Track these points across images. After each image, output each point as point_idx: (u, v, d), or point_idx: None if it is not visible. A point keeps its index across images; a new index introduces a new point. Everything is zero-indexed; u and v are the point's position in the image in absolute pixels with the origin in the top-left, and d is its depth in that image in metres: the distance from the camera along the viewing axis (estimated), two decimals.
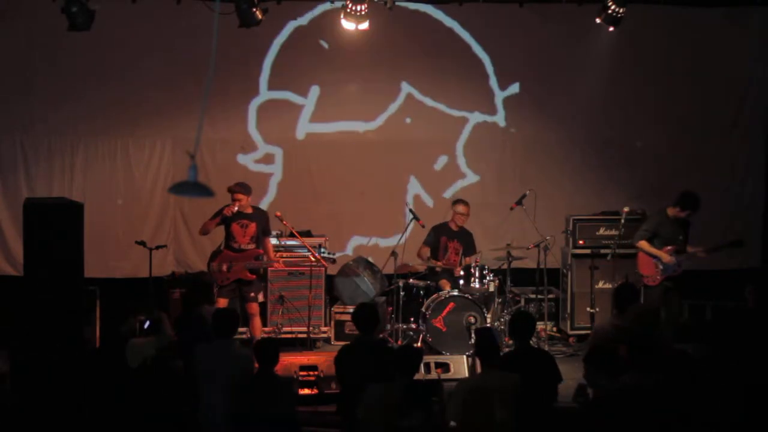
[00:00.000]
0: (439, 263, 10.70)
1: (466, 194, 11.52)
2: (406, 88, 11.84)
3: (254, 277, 10.03)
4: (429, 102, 11.90)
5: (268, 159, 11.81)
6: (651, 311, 8.25)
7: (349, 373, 7.43)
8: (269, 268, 10.67)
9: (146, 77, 11.26)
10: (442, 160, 12.02)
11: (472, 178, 12.08)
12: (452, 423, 6.60)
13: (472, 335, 9.99)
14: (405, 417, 6.37)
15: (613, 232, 10.80)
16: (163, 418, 7.47)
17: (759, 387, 6.80)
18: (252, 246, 10.06)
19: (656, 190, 11.56)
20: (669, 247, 9.83)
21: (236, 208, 9.91)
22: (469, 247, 10.80)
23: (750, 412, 6.55)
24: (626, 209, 10.44)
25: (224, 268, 9.93)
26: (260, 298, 10.34)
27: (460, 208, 10.82)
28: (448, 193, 11.91)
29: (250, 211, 10.08)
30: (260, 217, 10.17)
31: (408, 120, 11.88)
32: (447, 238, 10.83)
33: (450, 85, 11.90)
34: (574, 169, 12.08)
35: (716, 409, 6.48)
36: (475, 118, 12.01)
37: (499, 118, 12.05)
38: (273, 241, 10.65)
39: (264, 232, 10.19)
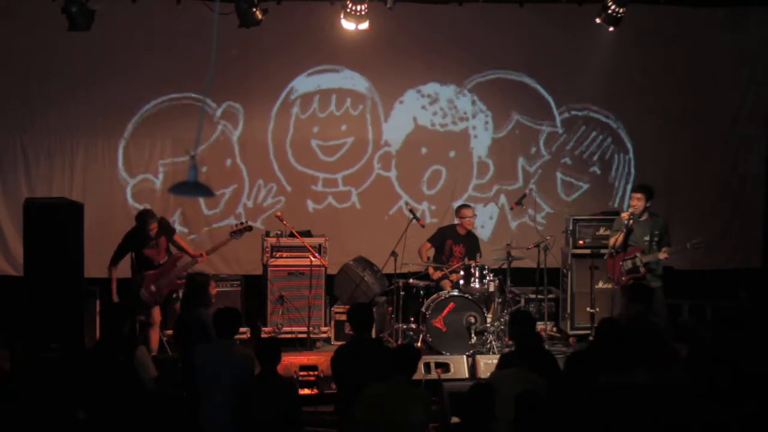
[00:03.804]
0: (436, 271, 10.71)
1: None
2: (407, 88, 11.86)
3: (183, 281, 9.47)
4: (431, 102, 11.90)
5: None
6: (646, 311, 8.22)
7: (345, 373, 7.42)
8: (270, 268, 10.68)
9: (146, 77, 11.26)
10: (441, 160, 12.03)
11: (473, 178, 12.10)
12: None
13: (473, 335, 10.00)
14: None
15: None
16: (163, 419, 7.45)
17: (758, 387, 6.80)
18: (166, 257, 9.94)
19: (656, 190, 11.54)
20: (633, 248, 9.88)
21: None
22: (474, 251, 10.79)
23: (750, 411, 6.55)
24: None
25: (153, 289, 9.82)
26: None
27: (466, 212, 10.81)
28: (449, 194, 11.94)
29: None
30: (161, 227, 9.98)
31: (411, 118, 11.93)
32: (453, 241, 10.81)
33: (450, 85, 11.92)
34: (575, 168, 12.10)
35: (715, 409, 6.48)
36: (477, 118, 12.02)
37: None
38: (272, 240, 10.66)
39: (169, 236, 10.01)
